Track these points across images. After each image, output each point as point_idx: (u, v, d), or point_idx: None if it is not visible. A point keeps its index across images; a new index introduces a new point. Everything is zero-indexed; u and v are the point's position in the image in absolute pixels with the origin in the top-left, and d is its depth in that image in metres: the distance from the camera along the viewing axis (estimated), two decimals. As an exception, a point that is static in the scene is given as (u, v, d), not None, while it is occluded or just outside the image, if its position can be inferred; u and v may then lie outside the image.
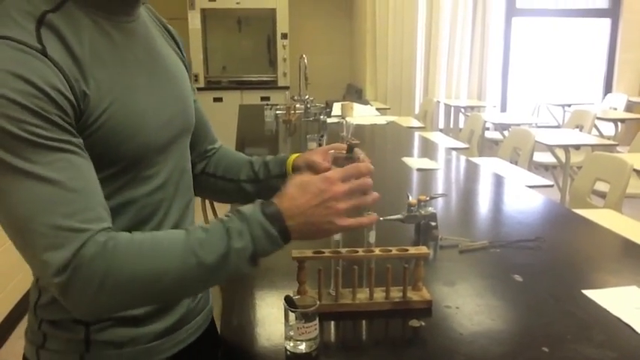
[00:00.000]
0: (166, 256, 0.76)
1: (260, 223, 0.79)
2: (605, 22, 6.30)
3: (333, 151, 1.10)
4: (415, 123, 4.55)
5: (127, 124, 0.82)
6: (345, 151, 1.11)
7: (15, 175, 0.70)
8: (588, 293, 1.20)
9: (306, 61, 4.24)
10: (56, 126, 0.73)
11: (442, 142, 3.57)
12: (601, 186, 2.85)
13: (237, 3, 5.88)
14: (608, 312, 1.12)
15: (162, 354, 0.96)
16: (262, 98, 5.91)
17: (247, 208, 0.81)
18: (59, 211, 0.71)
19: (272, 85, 6.09)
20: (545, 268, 1.36)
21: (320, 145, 2.38)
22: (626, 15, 6.17)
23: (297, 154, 1.11)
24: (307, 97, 4.21)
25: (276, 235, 0.80)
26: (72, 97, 0.75)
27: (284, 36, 6.02)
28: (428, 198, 1.53)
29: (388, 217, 1.50)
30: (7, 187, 0.71)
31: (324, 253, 1.10)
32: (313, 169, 1.04)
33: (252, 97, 5.87)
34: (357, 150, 1.09)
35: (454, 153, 2.91)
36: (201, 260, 0.76)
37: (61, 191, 0.72)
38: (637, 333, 1.04)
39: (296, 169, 1.08)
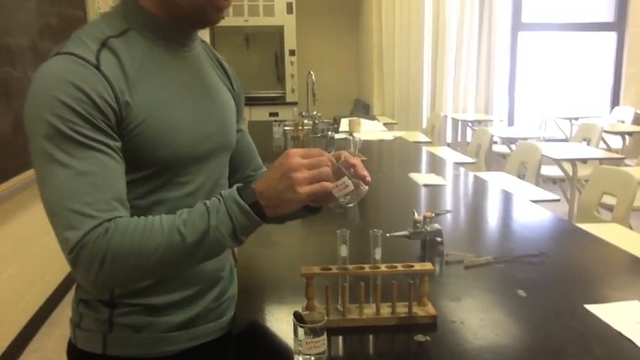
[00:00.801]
0: (155, 235, 0.88)
1: (234, 200, 0.90)
2: (611, 36, 6.33)
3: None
4: (423, 138, 4.59)
5: (162, 135, 0.96)
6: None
7: (54, 165, 0.86)
8: (590, 308, 1.22)
9: (313, 77, 4.30)
10: (97, 128, 0.88)
11: (449, 157, 3.60)
12: (608, 199, 2.87)
13: (246, 20, 5.97)
14: (609, 326, 1.14)
15: (177, 345, 1.06)
16: (271, 114, 5.97)
17: (226, 191, 0.92)
18: (81, 200, 0.86)
19: (280, 101, 6.16)
20: (548, 283, 1.39)
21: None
22: (632, 29, 6.20)
23: None
24: (315, 113, 4.26)
25: (249, 209, 0.89)
26: (115, 106, 0.90)
27: (292, 52, 6.10)
28: (433, 215, 1.57)
29: (395, 234, 1.54)
30: (48, 174, 0.87)
31: (331, 269, 1.14)
32: None
33: (261, 113, 5.94)
34: (347, 160, 1.03)
35: (461, 168, 2.94)
36: (184, 237, 0.88)
37: (86, 184, 0.87)
38: (638, 347, 1.07)
39: None
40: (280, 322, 1.18)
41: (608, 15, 6.30)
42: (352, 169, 0.96)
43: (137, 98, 0.93)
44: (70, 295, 3.35)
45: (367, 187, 0.98)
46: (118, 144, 0.92)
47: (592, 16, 6.32)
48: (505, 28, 6.16)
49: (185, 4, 0.97)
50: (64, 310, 3.27)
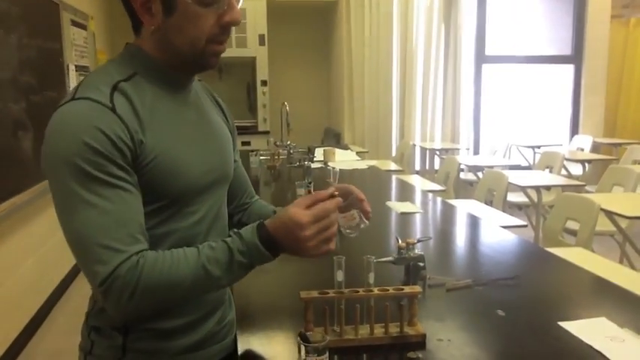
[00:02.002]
0: (182, 270, 0.98)
1: (258, 248, 1.02)
2: (570, 68, 6.66)
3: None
4: (393, 166, 4.73)
5: (172, 169, 1.05)
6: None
7: (82, 204, 0.94)
8: (563, 325, 1.34)
9: (287, 107, 4.41)
10: (119, 166, 0.97)
11: (420, 184, 3.74)
12: (572, 224, 3.03)
13: (219, 52, 6.07)
14: (581, 341, 1.26)
15: None
16: (243, 143, 6.05)
17: (246, 233, 1.02)
18: (109, 236, 0.94)
19: (252, 130, 6.25)
20: (525, 303, 1.50)
21: (309, 190, 2.52)
22: (588, 62, 6.54)
23: None
24: (289, 142, 4.37)
25: (269, 255, 1.03)
26: (131, 144, 0.98)
27: (264, 83, 6.22)
28: (415, 241, 1.67)
29: (380, 260, 1.63)
30: (75, 212, 0.94)
31: (328, 293, 1.23)
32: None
33: (234, 142, 6.00)
34: (354, 194, 1.20)
35: (434, 196, 3.08)
36: (209, 272, 0.99)
37: (111, 220, 0.95)
38: (607, 359, 1.18)
39: None
40: (280, 344, 1.26)
41: (566, 49, 6.63)
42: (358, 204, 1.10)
43: (149, 137, 1.01)
44: (45, 326, 3.34)
45: (368, 222, 1.09)
46: (135, 179, 1.00)
47: (552, 49, 6.64)
48: (470, 60, 6.42)
49: (185, 49, 1.05)
50: (39, 343, 3.26)
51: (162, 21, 1.03)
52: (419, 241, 1.73)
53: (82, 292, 3.94)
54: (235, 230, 1.04)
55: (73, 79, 4.24)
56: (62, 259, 4.03)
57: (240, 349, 1.23)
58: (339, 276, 1.25)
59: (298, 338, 1.07)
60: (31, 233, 3.41)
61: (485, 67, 6.52)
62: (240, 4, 1.08)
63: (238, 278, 1.04)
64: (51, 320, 3.49)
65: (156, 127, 1.03)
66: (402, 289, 1.25)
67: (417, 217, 2.55)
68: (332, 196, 1.06)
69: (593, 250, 2.75)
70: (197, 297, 1.03)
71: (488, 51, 6.48)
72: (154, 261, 0.97)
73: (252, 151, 4.27)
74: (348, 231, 1.09)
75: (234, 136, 1.32)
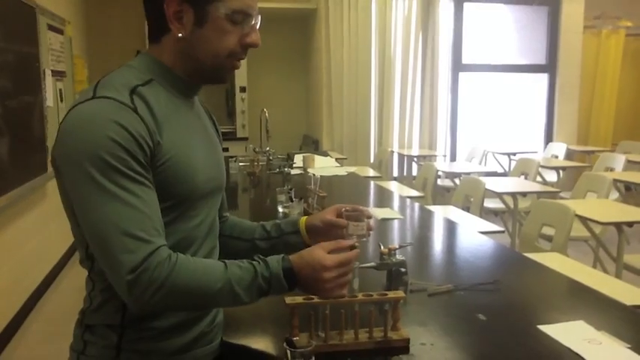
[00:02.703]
0: (211, 280, 1.03)
1: (279, 279, 1.08)
2: (544, 77, 6.79)
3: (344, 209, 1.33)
4: (372, 172, 4.76)
5: (184, 171, 1.09)
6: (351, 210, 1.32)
7: (108, 196, 0.97)
8: (542, 328, 1.36)
9: (267, 114, 4.42)
10: (140, 164, 1.01)
11: (399, 191, 3.77)
12: (547, 230, 3.09)
13: (197, 58, 6.05)
14: (560, 344, 1.29)
15: None
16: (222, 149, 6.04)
17: (272, 262, 1.09)
18: (135, 225, 0.97)
19: (231, 136, 6.23)
20: (505, 308, 1.53)
21: (290, 197, 2.52)
22: (562, 70, 6.68)
23: (304, 218, 1.37)
24: (268, 149, 4.37)
25: (287, 289, 1.09)
26: (150, 144, 1.03)
27: (242, 89, 6.21)
28: (398, 247, 1.69)
29: (363, 265, 1.65)
30: (101, 205, 0.97)
31: (313, 299, 1.23)
32: (329, 224, 1.31)
33: (212, 148, 5.98)
34: (364, 210, 1.31)
35: (413, 203, 3.11)
36: (233, 289, 1.04)
37: (137, 212, 0.98)
38: (585, 361, 1.21)
39: (311, 226, 1.34)
40: (267, 349, 1.26)
41: (540, 58, 6.76)
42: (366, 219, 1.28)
43: (165, 139, 1.06)
44: (20, 334, 3.28)
45: (369, 237, 1.28)
46: (151, 177, 1.04)
47: (526, 59, 6.76)
48: (447, 68, 6.50)
49: (207, 61, 1.11)
50: (14, 351, 3.20)
51: (191, 31, 1.09)
52: (401, 247, 1.75)
53: (56, 300, 3.89)
54: (261, 256, 1.10)
55: (49, 84, 4.19)
56: (36, 266, 3.97)
57: (226, 353, 1.23)
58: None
59: (285, 344, 1.08)
60: (4, 241, 3.36)
61: (462, 76, 6.61)
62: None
63: (249, 302, 1.07)
64: (25, 328, 3.44)
65: (170, 131, 1.07)
66: (386, 295, 1.27)
67: (398, 223, 2.57)
68: (352, 247, 1.16)
69: (567, 255, 2.80)
70: (209, 308, 1.08)
71: (465, 59, 6.58)
72: (187, 262, 1.02)
73: (232, 157, 4.26)
74: (353, 237, 1.25)
75: (222, 146, 1.35)
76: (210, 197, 1.20)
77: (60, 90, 4.58)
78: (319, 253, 1.10)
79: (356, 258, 1.14)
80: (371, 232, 1.30)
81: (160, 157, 1.04)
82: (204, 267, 1.04)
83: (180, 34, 1.09)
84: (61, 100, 4.60)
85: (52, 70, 4.33)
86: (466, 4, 6.49)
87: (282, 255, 1.11)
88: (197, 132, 1.18)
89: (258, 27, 1.15)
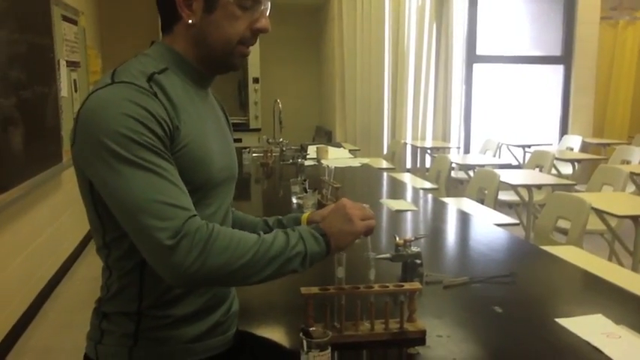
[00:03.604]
0: (247, 244, 1.03)
1: (309, 231, 1.11)
2: (559, 69, 6.71)
3: None
4: (385, 164, 4.74)
5: (199, 158, 1.09)
6: None
7: (134, 168, 0.97)
8: (560, 321, 1.35)
9: (280, 105, 4.41)
10: (161, 141, 1.01)
11: (413, 182, 3.75)
12: (562, 223, 3.06)
13: (210, 49, 6.04)
14: (578, 337, 1.27)
15: (196, 355, 1.14)
16: (234, 140, 6.00)
17: (299, 227, 1.12)
18: (168, 194, 0.98)
19: (244, 127, 6.24)
20: (521, 300, 1.52)
21: (304, 188, 2.51)
22: (578, 62, 6.59)
23: (307, 213, 1.35)
24: (282, 140, 4.37)
25: (320, 237, 1.10)
26: (171, 126, 1.03)
27: (255, 80, 6.21)
28: (413, 238, 1.68)
29: (378, 256, 1.63)
30: (129, 175, 0.96)
31: (329, 289, 1.23)
32: None
33: (225, 140, 5.99)
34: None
35: (427, 194, 3.09)
36: (268, 248, 1.05)
37: (167, 182, 0.99)
38: (604, 354, 1.19)
39: (312, 223, 1.27)
40: (279, 339, 1.26)
41: (556, 49, 6.68)
42: None
43: (182, 125, 1.06)
44: (35, 324, 3.31)
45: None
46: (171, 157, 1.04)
47: (542, 50, 6.69)
48: (461, 59, 6.44)
49: (218, 47, 1.11)
50: (28, 341, 3.23)
51: (202, 18, 1.09)
52: (416, 238, 1.74)
53: (72, 289, 3.92)
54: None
55: (63, 75, 4.20)
56: (52, 256, 4.00)
57: (241, 343, 1.23)
58: (340, 272, 1.25)
59: (301, 334, 1.07)
60: (19, 230, 3.38)
61: (476, 67, 6.55)
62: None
63: (290, 267, 1.07)
64: (40, 318, 3.47)
65: (187, 117, 1.08)
66: (402, 286, 1.26)
67: (412, 215, 2.55)
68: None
69: (583, 249, 2.77)
70: (249, 276, 1.04)
71: (479, 51, 6.51)
72: (223, 230, 1.02)
73: (245, 148, 4.26)
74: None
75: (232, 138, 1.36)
76: (225, 186, 1.20)
77: (74, 80, 4.60)
78: (337, 205, 1.18)
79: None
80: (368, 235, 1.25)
81: (178, 142, 1.04)
82: (240, 234, 1.04)
83: (190, 21, 1.09)
84: (75, 91, 4.62)
85: (67, 61, 4.34)
86: (481, -5, 6.43)
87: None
88: (211, 121, 1.18)
89: (267, 13, 1.15)
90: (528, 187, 4.16)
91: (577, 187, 4.64)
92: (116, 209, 1.00)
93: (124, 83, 1.02)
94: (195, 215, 1.00)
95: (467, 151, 6.65)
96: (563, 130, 6.77)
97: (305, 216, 1.31)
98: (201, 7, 1.09)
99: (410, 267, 1.65)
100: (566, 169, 5.53)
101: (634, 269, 3.10)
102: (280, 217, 1.37)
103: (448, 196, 4.11)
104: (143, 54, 1.13)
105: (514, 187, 4.22)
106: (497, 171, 3.90)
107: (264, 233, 1.28)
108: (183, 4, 1.09)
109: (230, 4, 1.09)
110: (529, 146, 6.21)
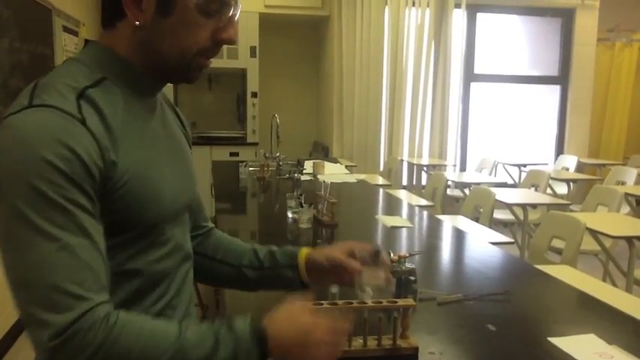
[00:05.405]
0: (160, 347, 0.80)
1: (247, 348, 0.84)
2: (556, 89, 6.76)
3: (358, 250, 1.16)
4: (381, 180, 4.76)
5: (148, 192, 0.91)
6: (370, 254, 1.17)
7: (37, 236, 0.76)
8: (553, 340, 1.35)
9: (278, 120, 4.43)
10: (85, 193, 0.81)
11: (409, 199, 3.76)
12: (557, 243, 3.06)
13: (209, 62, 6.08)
14: (571, 357, 1.27)
15: None
16: (231, 154, 6.05)
17: (239, 325, 0.85)
18: (68, 277, 0.77)
19: (241, 141, 6.25)
20: (515, 319, 1.52)
21: (300, 202, 2.52)
22: (575, 82, 6.65)
23: (307, 248, 1.19)
24: (279, 154, 4.38)
25: (257, 358, 0.84)
26: (102, 165, 0.83)
27: (254, 94, 6.23)
28: (408, 255, 1.68)
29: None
30: (28, 246, 0.76)
31: (322, 304, 1.23)
32: (337, 266, 1.14)
33: (222, 153, 6.00)
34: (382, 255, 1.17)
35: (423, 211, 3.09)
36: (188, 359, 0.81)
37: (74, 259, 0.77)
38: (597, 375, 1.20)
39: (312, 263, 1.16)
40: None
41: (553, 70, 6.74)
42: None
43: (121, 156, 0.86)
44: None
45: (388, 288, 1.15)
46: (98, 208, 0.84)
47: (539, 70, 6.74)
48: (458, 78, 6.49)
49: (172, 57, 0.92)
50: (19, 351, 3.20)
51: (153, 20, 0.89)
52: (410, 255, 1.74)
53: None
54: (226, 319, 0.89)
55: (62, 85, 4.22)
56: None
57: None
58: (333, 288, 1.25)
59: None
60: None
61: (474, 86, 6.59)
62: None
63: None
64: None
65: (128, 143, 0.88)
66: (396, 302, 1.26)
67: (407, 232, 2.56)
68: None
69: (577, 269, 2.77)
70: None
71: (477, 70, 6.57)
72: (130, 324, 0.80)
73: (241, 162, 4.27)
74: (367, 288, 1.11)
75: (190, 146, 1.16)
76: (180, 217, 1.04)
77: (73, 91, 4.61)
78: (299, 306, 0.91)
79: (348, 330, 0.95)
80: (389, 283, 1.13)
81: (116, 180, 0.85)
82: (152, 331, 0.81)
83: (137, 22, 0.89)
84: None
85: (66, 71, 4.36)
86: (479, 15, 6.49)
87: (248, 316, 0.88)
88: (160, 139, 0.99)
89: (236, 19, 0.94)
90: (523, 206, 4.17)
91: (572, 207, 4.65)
92: (7, 277, 0.79)
93: (44, 108, 0.80)
94: (97, 305, 0.78)
95: (463, 169, 6.67)
96: (559, 150, 6.81)
97: (303, 253, 1.17)
98: (154, 7, 0.88)
99: (404, 283, 1.65)
100: (562, 188, 5.55)
101: (627, 290, 3.10)
102: (274, 248, 1.21)
103: (444, 214, 4.12)
104: (73, 59, 0.92)
105: (509, 206, 4.24)
106: (493, 189, 3.91)
107: (252, 266, 1.19)
108: (129, 1, 0.88)
109: (190, 10, 0.89)
110: (525, 165, 6.24)
